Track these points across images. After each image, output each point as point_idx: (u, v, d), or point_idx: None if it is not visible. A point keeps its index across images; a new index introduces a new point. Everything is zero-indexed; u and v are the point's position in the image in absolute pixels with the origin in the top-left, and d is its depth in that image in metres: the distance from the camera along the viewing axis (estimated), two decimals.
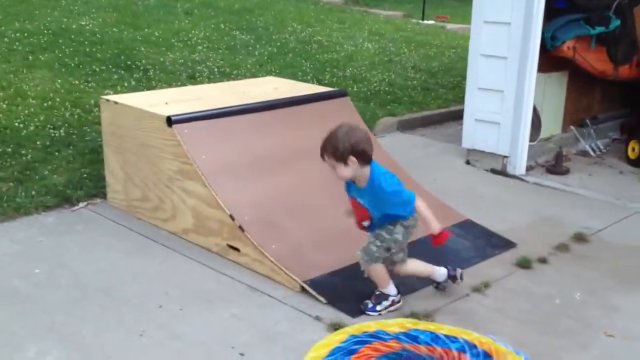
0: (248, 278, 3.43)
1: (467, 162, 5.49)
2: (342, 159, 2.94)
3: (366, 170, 3.00)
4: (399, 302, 3.23)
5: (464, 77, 6.97)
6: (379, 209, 3.06)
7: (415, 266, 3.33)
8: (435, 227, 3.05)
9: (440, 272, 3.35)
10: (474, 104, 5.39)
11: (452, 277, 3.35)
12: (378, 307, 3.18)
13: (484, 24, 5.22)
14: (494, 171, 5.30)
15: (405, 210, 3.07)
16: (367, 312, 3.16)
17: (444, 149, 5.85)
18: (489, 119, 5.30)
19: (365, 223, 3.15)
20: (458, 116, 6.39)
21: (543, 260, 3.75)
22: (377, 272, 3.19)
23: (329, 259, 3.53)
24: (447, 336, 2.89)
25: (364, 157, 2.96)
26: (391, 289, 3.22)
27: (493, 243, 3.95)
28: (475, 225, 4.13)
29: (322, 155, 3.00)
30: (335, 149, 2.93)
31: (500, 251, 3.86)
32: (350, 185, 3.12)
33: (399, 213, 3.07)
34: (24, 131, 4.94)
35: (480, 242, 3.95)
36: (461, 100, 6.78)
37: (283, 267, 3.38)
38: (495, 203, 4.66)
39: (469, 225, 4.11)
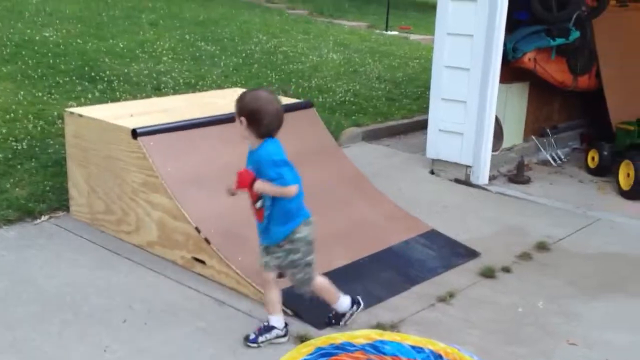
0: (214, 291, 3.41)
1: (432, 172, 5.55)
2: (237, 115, 2.89)
3: (259, 141, 2.88)
4: (284, 335, 2.99)
5: (427, 88, 7.06)
6: (258, 173, 2.88)
7: (322, 283, 3.09)
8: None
9: (343, 302, 3.12)
10: (438, 114, 5.47)
11: (355, 303, 3.16)
12: (260, 339, 2.95)
13: (447, 36, 5.31)
14: (457, 181, 5.38)
15: (280, 181, 2.81)
16: (248, 343, 2.94)
17: (409, 159, 5.91)
18: (452, 129, 5.38)
19: (258, 204, 2.93)
20: (422, 126, 6.47)
21: (507, 270, 3.81)
22: (270, 296, 3.00)
23: None
24: (413, 347, 2.90)
25: (255, 124, 2.83)
26: (279, 321, 3.01)
27: (458, 253, 4.00)
28: (440, 235, 4.18)
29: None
30: (236, 104, 2.90)
31: (465, 261, 3.91)
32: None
33: (271, 177, 2.83)
34: None
35: (445, 251, 4.00)
36: (425, 110, 6.87)
37: (249, 279, 3.38)
38: (460, 213, 4.72)
39: (434, 235, 4.16)
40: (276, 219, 2.92)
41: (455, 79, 5.29)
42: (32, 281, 3.42)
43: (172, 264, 3.69)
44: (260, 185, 2.88)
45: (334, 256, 3.72)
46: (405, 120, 7.06)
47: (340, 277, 3.52)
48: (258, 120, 2.84)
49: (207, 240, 3.53)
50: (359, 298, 3.21)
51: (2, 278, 3.42)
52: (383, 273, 3.64)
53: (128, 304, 3.24)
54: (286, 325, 3.04)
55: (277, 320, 3.02)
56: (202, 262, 3.58)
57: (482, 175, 5.29)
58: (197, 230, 3.56)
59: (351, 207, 4.27)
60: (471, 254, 4.01)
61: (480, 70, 5.15)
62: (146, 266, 3.65)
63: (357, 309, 3.18)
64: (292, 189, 2.84)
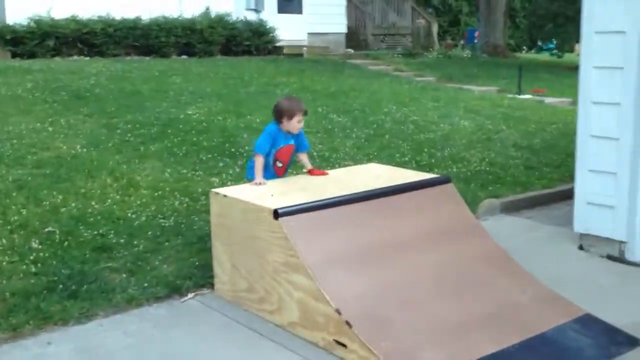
0: None
1: (580, 248, 5.21)
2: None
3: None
4: None
5: (568, 155, 6.76)
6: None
7: None
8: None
9: None
10: (585, 186, 5.16)
11: None
12: None
13: (592, 104, 5.06)
14: (610, 257, 5.00)
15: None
16: None
17: (553, 233, 5.60)
18: (602, 202, 5.05)
19: (279, 164, 4.63)
20: (566, 196, 6.15)
21: None
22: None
23: (441, 356, 3.39)
24: None
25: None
26: None
27: (617, 340, 3.67)
28: (596, 320, 3.86)
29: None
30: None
31: (626, 349, 3.57)
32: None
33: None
34: (136, 222, 5.13)
35: (603, 339, 3.68)
36: (567, 179, 6.56)
37: None
38: (615, 293, 4.37)
39: (589, 321, 3.85)
40: None
41: (603, 149, 5.00)
42: None
43: (314, 346, 3.65)
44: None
45: (480, 342, 3.53)
46: (547, 191, 6.74)
47: None
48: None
49: (348, 323, 3.47)
50: None
51: (153, 359, 3.53)
52: None
53: None
54: None
55: None
56: (344, 345, 3.51)
57: (638, 251, 4.89)
58: (338, 312, 3.51)
59: (495, 288, 4.07)
60: (632, 341, 3.66)
61: (631, 139, 4.84)
62: (289, 348, 3.64)
63: None
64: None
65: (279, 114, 4.53)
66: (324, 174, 4.76)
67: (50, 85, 9.04)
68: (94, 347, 3.67)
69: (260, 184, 4.40)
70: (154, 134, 7.29)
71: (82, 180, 5.84)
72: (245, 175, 4.87)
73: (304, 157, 4.84)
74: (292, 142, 4.65)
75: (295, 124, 4.54)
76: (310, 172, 4.76)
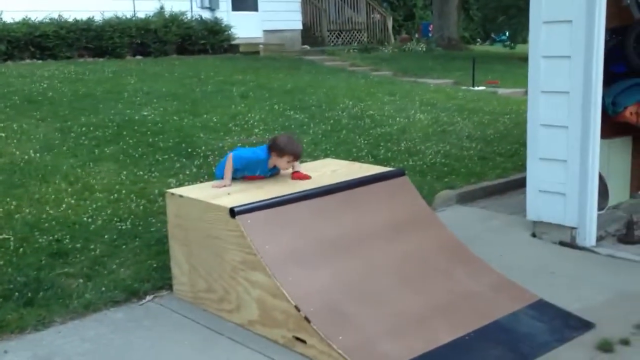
0: None
1: (533, 235, 5.34)
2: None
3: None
4: None
5: (521, 144, 6.90)
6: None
7: None
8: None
9: None
10: (537, 174, 5.28)
11: None
12: None
13: (541, 94, 5.17)
14: (562, 244, 5.13)
15: None
16: None
17: (508, 222, 5.72)
18: (553, 190, 5.17)
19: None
20: (519, 185, 6.28)
21: (625, 342, 3.55)
22: None
23: (399, 347, 3.44)
24: None
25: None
26: None
27: (570, 324, 3.78)
28: (550, 305, 3.96)
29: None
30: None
31: (579, 333, 3.67)
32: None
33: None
34: (92, 226, 5.07)
35: (557, 323, 3.78)
36: (521, 168, 6.69)
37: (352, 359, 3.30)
38: (568, 279, 4.49)
39: (543, 306, 3.95)
40: None
41: (553, 137, 5.12)
42: None
43: (274, 343, 3.67)
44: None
45: (438, 331, 3.60)
46: (501, 180, 6.88)
47: (447, 355, 3.40)
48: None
49: (307, 319, 3.49)
50: None
51: None
52: (492, 350, 3.47)
53: None
54: None
55: None
56: (304, 341, 3.54)
57: (589, 236, 5.03)
58: (297, 308, 3.53)
59: (451, 277, 4.14)
60: (585, 325, 3.77)
61: (579, 127, 4.96)
62: (249, 346, 3.65)
63: None
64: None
65: (272, 148, 4.36)
66: (307, 177, 4.47)
67: (1, 90, 8.83)
68: (51, 354, 3.62)
69: (225, 186, 4.31)
70: (109, 136, 7.19)
71: (36, 186, 5.73)
72: (215, 171, 4.77)
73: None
74: (269, 174, 4.52)
75: (283, 164, 4.41)
76: (293, 176, 4.51)
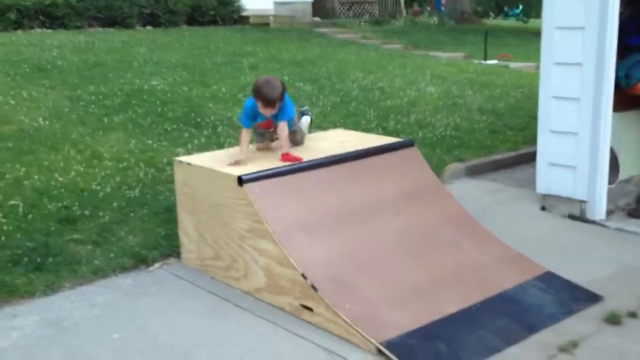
0: (323, 339, 3.37)
1: (543, 208, 5.31)
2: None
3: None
4: None
5: (532, 118, 6.82)
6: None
7: None
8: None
9: None
10: (547, 147, 5.23)
11: None
12: None
13: (554, 66, 5.11)
14: (572, 217, 5.11)
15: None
16: None
17: (517, 195, 5.69)
18: (564, 163, 5.13)
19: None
20: (529, 159, 6.24)
21: (633, 315, 3.54)
22: None
23: (405, 317, 3.44)
24: None
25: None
26: None
27: (577, 297, 3.76)
28: (557, 277, 3.95)
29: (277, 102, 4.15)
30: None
31: (586, 306, 3.66)
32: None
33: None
34: (101, 193, 5.08)
35: (564, 295, 3.77)
36: (531, 142, 6.63)
37: (358, 327, 3.31)
38: (576, 252, 4.47)
39: (550, 278, 3.94)
40: None
41: (564, 110, 5.07)
42: (146, 331, 3.50)
43: (281, 310, 3.68)
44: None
45: (443, 302, 3.60)
46: (511, 153, 6.83)
47: (452, 325, 3.40)
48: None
49: (313, 287, 3.50)
50: None
51: (119, 328, 3.53)
52: (498, 320, 3.46)
53: (239, 354, 3.25)
54: None
55: None
56: (310, 309, 3.55)
57: (598, 210, 5.00)
58: (304, 276, 3.54)
59: (459, 248, 4.13)
60: (592, 297, 3.76)
61: (591, 100, 4.91)
62: (256, 314, 3.67)
63: None
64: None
65: (252, 91, 4.21)
66: (297, 159, 4.15)
67: (11, 58, 8.81)
68: (60, 318, 3.65)
69: (238, 161, 4.11)
70: (118, 105, 7.18)
71: (45, 153, 5.74)
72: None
73: (281, 133, 4.27)
74: (271, 118, 4.31)
75: (261, 109, 4.19)
76: (282, 158, 4.17)
